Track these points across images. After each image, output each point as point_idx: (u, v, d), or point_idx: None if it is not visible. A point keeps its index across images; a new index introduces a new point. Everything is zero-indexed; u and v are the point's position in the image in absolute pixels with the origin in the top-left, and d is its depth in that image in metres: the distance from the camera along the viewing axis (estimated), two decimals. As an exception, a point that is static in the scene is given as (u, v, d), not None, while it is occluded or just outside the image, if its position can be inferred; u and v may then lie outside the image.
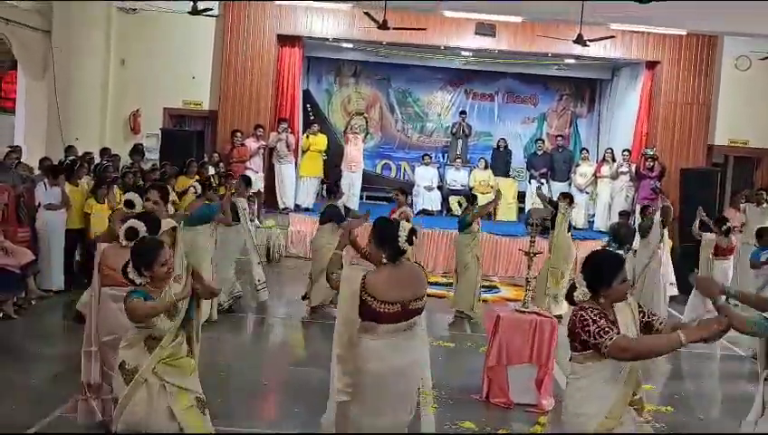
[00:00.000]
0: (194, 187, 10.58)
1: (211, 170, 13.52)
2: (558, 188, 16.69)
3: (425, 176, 17.10)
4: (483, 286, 11.77)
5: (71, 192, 10.83)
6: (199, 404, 4.76)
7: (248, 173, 15.03)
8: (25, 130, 14.44)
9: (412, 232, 4.87)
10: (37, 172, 11.42)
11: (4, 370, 7.47)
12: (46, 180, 10.65)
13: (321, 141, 16.35)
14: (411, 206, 16.14)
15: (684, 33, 15.43)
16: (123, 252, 5.20)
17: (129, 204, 8.21)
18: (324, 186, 14.63)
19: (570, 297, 4.36)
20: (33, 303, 9.88)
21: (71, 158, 12.33)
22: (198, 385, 4.83)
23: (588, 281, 4.28)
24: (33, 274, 9.85)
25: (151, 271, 4.73)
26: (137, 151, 14.32)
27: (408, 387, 4.92)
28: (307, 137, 16.37)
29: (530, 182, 17.06)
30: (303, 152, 16.36)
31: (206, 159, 14.22)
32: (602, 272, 4.27)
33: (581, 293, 4.28)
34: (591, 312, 4.15)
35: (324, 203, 11.42)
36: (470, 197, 12.17)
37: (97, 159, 13.19)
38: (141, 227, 5.44)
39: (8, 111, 15.92)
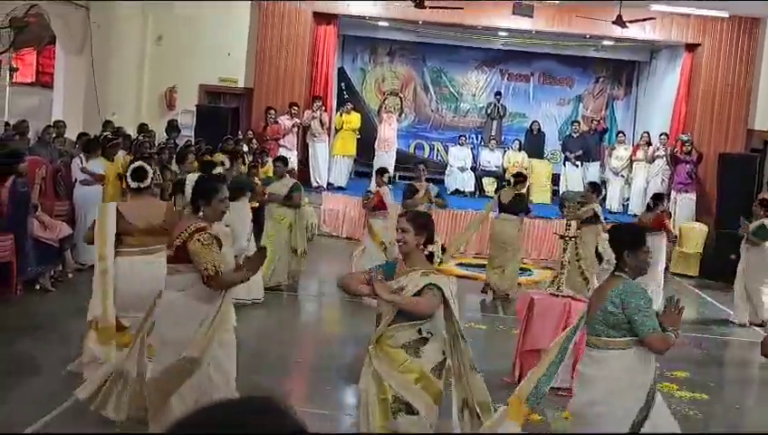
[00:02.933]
0: (222, 162, 10.43)
1: (244, 148, 13.56)
2: (593, 170, 16.62)
3: (458, 156, 17.03)
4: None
5: (106, 167, 10.90)
6: None
7: (282, 151, 15.10)
8: (63, 105, 14.56)
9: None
10: (76, 147, 11.54)
11: (42, 342, 7.58)
12: (83, 155, 10.74)
13: (354, 120, 16.34)
14: (443, 186, 16.07)
15: (726, 15, 15.15)
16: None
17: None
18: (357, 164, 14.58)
19: None
20: (70, 276, 9.99)
21: (106, 133, 12.42)
22: None
23: None
24: (70, 247, 9.97)
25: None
26: (173, 128, 14.40)
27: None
28: (341, 115, 16.36)
29: (564, 164, 16.95)
30: (337, 131, 16.36)
31: (240, 137, 14.26)
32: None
33: None
34: None
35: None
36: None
37: (133, 136, 13.28)
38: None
39: (46, 85, 16.07)
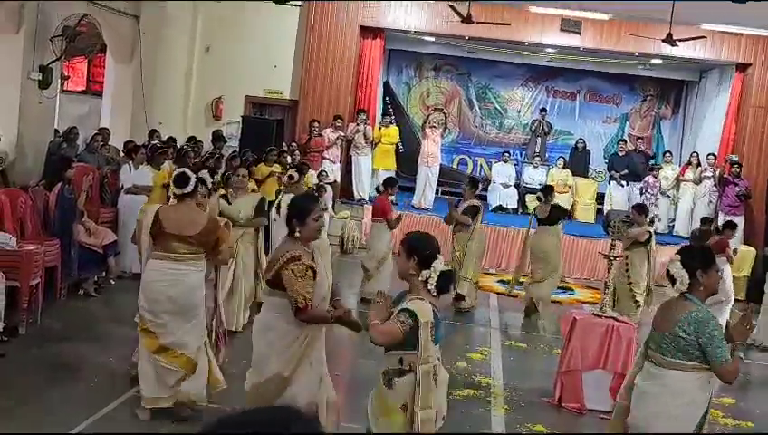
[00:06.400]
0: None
1: (288, 160, 13.62)
2: (638, 189, 16.38)
3: (502, 173, 16.92)
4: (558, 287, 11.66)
5: (153, 176, 11.00)
6: None
7: (325, 163, 15.17)
8: (111, 113, 14.75)
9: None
10: (122, 155, 11.68)
11: (83, 347, 7.64)
12: (131, 163, 10.87)
13: (392, 133, 16.34)
14: (486, 202, 15.94)
15: (779, 35, 14.89)
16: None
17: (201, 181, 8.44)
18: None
19: None
20: (113, 282, 10.09)
21: (154, 142, 12.55)
22: None
23: None
24: (114, 254, 10.06)
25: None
26: (218, 138, 14.53)
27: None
28: (379, 129, 16.37)
29: (609, 183, 16.75)
30: (376, 144, 16.35)
31: (285, 148, 14.33)
32: None
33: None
34: None
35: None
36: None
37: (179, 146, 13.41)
38: None
39: (96, 93, 16.30)
